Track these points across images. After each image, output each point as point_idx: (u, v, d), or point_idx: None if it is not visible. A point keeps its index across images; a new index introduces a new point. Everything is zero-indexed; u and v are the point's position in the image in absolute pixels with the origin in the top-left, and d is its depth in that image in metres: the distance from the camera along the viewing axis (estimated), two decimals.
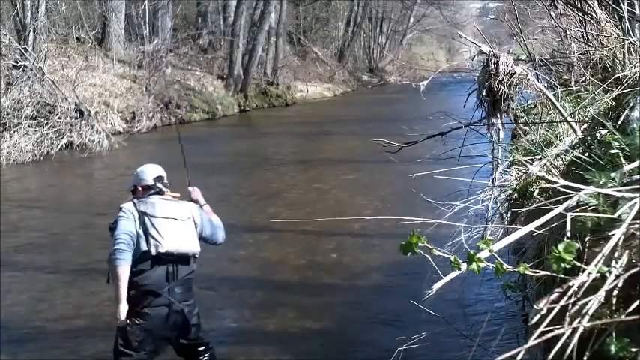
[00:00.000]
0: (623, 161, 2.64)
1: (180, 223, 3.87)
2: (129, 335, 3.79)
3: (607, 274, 1.92)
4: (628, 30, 5.35)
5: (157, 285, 3.78)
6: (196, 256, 3.96)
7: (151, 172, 4.06)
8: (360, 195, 10.09)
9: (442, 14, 36.21)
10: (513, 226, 3.28)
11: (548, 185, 3.39)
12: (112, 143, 14.05)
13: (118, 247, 3.68)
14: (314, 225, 8.05)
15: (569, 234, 2.13)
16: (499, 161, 4.60)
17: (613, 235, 2.02)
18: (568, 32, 7.22)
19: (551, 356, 1.74)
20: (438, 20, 37.74)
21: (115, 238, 3.71)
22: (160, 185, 3.99)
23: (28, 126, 13.36)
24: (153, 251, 3.74)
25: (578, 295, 1.86)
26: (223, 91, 21.64)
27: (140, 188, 4.02)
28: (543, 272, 1.97)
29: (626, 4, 5.33)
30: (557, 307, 1.83)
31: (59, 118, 13.80)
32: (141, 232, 3.75)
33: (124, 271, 3.67)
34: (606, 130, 3.20)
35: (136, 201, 3.90)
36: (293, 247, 7.48)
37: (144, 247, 3.74)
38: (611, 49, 5.53)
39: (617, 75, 4.68)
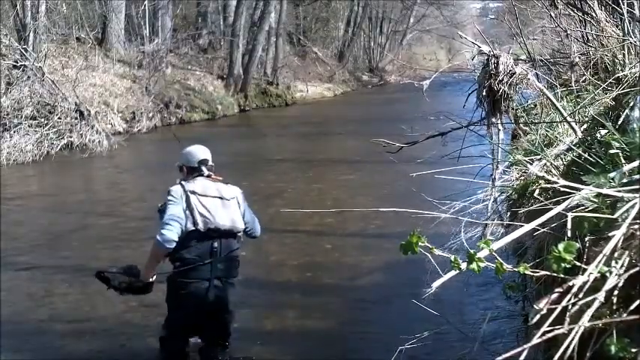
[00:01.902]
0: (623, 161, 2.64)
1: (225, 202, 4.07)
2: (174, 316, 4.06)
3: (607, 275, 1.91)
4: (628, 30, 5.35)
5: (200, 259, 3.96)
6: (240, 234, 4.17)
7: (196, 154, 4.25)
8: (360, 195, 10.08)
9: (442, 14, 36.19)
10: (514, 223, 3.28)
11: (548, 185, 3.39)
12: (112, 143, 14.02)
13: (168, 233, 3.85)
14: (314, 225, 8.05)
15: (569, 234, 2.13)
16: (499, 161, 4.60)
17: (613, 235, 2.01)
18: (568, 32, 7.21)
19: (556, 357, 1.73)
20: (438, 20, 37.70)
21: (164, 222, 3.89)
22: (203, 168, 4.17)
23: (28, 126, 13.32)
24: (202, 228, 3.92)
25: (579, 296, 1.86)
26: (223, 91, 21.61)
27: (185, 169, 4.20)
28: (543, 272, 1.97)
29: (626, 4, 5.33)
30: (559, 307, 1.83)
31: (59, 118, 13.76)
32: (188, 212, 3.93)
33: (164, 255, 3.92)
34: (606, 130, 3.20)
35: (183, 182, 4.09)
36: (293, 247, 7.48)
37: (191, 227, 3.92)
38: (611, 49, 5.52)
39: (617, 75, 4.68)
